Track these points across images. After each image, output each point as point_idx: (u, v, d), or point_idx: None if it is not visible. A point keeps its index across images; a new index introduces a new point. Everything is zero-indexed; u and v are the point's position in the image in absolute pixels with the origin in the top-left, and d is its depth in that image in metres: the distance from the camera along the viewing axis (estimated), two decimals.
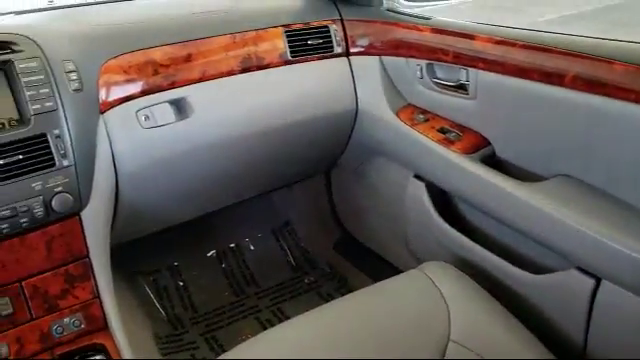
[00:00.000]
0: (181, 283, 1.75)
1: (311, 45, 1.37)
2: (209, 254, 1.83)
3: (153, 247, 1.67)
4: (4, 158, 0.95)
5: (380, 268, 1.67)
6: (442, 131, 1.27)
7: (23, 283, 1.02)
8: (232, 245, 1.87)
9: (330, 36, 1.40)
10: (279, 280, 1.79)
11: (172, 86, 1.21)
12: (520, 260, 1.16)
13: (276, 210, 1.96)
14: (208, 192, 1.48)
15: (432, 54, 1.25)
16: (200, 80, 1.24)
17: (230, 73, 1.27)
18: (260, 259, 1.87)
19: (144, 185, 1.24)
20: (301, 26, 1.37)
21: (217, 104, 1.26)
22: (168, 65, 1.20)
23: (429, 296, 1.02)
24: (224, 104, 1.27)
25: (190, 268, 1.78)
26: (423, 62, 1.28)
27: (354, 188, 1.73)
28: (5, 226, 0.97)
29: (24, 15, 1.32)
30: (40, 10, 1.43)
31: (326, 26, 1.40)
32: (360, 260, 1.78)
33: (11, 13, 1.32)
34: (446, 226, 1.28)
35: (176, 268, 1.77)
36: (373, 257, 1.74)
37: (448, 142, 1.23)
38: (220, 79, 1.26)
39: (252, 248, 1.89)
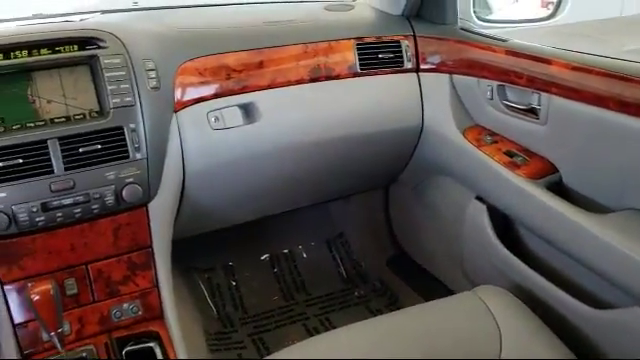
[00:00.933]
0: (234, 283, 1.78)
1: (381, 59, 1.38)
2: (262, 257, 1.86)
3: (210, 245, 1.71)
4: (84, 146, 1.01)
5: (432, 288, 1.64)
6: (509, 154, 1.25)
7: (89, 266, 1.07)
8: (285, 251, 1.90)
9: (401, 51, 1.40)
10: (329, 290, 1.80)
11: (242, 91, 1.24)
12: (579, 292, 1.11)
13: (331, 220, 1.97)
14: (267, 196, 1.51)
15: (505, 76, 1.23)
16: (269, 87, 1.27)
17: (299, 82, 1.30)
18: (312, 267, 1.88)
19: (209, 184, 1.28)
20: (373, 40, 1.38)
21: (284, 111, 1.29)
22: (240, 70, 1.24)
23: (481, 320, 1.00)
24: (291, 111, 1.30)
25: (243, 269, 1.82)
26: (494, 83, 1.27)
27: (412, 205, 1.72)
28: (78, 210, 1.02)
29: (110, 14, 1.40)
30: (125, 10, 1.52)
31: (398, 41, 1.41)
32: (412, 278, 1.76)
33: (98, 12, 1.40)
34: (505, 251, 1.25)
35: (230, 268, 1.80)
36: (426, 276, 1.72)
37: (514, 166, 1.21)
38: (289, 87, 1.29)
39: (305, 256, 1.90)
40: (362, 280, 1.84)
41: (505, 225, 1.33)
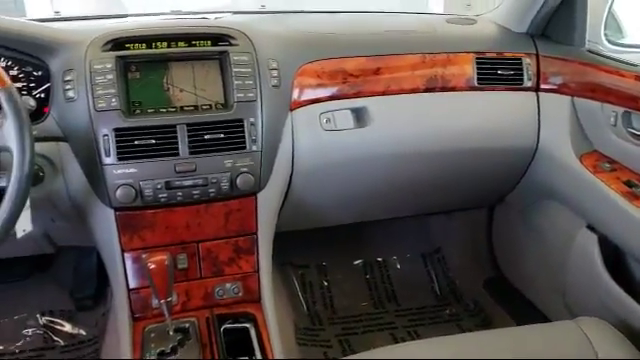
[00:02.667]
0: (326, 283, 1.82)
1: (500, 75, 1.36)
2: (356, 262, 1.89)
3: (306, 243, 1.77)
4: (208, 134, 1.09)
5: (529, 315, 1.58)
6: (628, 184, 1.18)
7: (200, 245, 1.16)
8: (379, 259, 1.91)
9: (522, 69, 1.37)
10: (420, 304, 1.79)
11: (356, 95, 1.28)
12: None
13: (430, 235, 1.96)
14: (369, 201, 1.53)
15: (632, 102, 1.17)
16: (383, 93, 1.29)
17: (414, 90, 1.31)
18: (405, 279, 1.87)
19: (314, 182, 1.33)
20: (493, 55, 1.37)
21: (396, 118, 1.31)
22: (357, 75, 1.27)
23: (581, 351, 0.95)
24: (403, 119, 1.31)
25: (336, 271, 1.85)
26: (620, 109, 1.20)
27: (517, 228, 1.67)
28: (196, 192, 1.11)
29: (240, 15, 1.50)
30: (254, 12, 1.62)
31: (519, 58, 1.38)
32: (508, 303, 1.70)
33: (230, 12, 1.51)
34: (613, 284, 1.18)
35: (323, 268, 1.85)
36: (523, 303, 1.66)
37: (633, 197, 1.14)
38: (403, 95, 1.31)
39: (399, 267, 1.90)
40: (455, 298, 1.81)
41: (616, 257, 1.26)
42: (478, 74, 1.34)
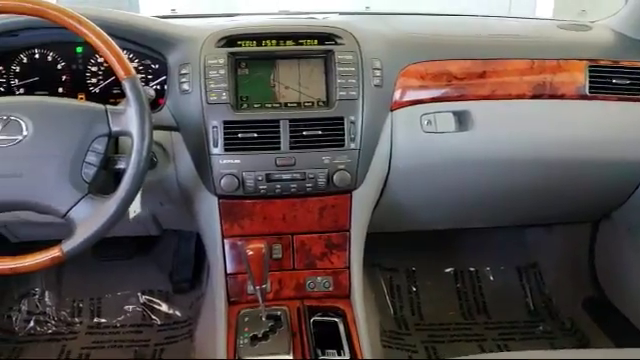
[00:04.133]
0: (414, 289, 1.80)
1: (615, 84, 1.29)
2: (447, 270, 1.85)
3: (396, 246, 1.76)
4: (309, 130, 1.12)
5: (630, 338, 1.48)
6: None
7: (294, 237, 1.20)
8: (472, 269, 1.86)
9: None
10: (512, 318, 1.73)
11: (459, 98, 1.26)
12: None
13: (527, 248, 1.88)
14: (464, 207, 1.50)
15: None
16: (488, 98, 1.26)
17: (519, 96, 1.27)
18: (497, 291, 1.82)
19: (409, 184, 1.32)
20: (609, 63, 1.29)
21: (499, 124, 1.27)
22: (462, 78, 1.25)
23: None
24: (506, 125, 1.28)
25: (426, 277, 1.83)
26: None
27: (623, 247, 1.56)
28: (294, 186, 1.14)
29: (346, 15, 1.52)
30: (359, 13, 1.65)
31: (638, 68, 1.30)
32: (609, 324, 1.60)
33: (336, 13, 1.54)
34: None
35: (412, 273, 1.83)
36: (626, 325, 1.55)
37: None
38: (508, 100, 1.27)
39: (491, 278, 1.85)
40: (550, 315, 1.73)
41: None
42: (590, 82, 1.28)
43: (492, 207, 1.51)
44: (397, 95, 1.23)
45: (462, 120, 1.26)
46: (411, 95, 1.25)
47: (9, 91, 1.25)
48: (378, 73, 1.19)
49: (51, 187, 0.91)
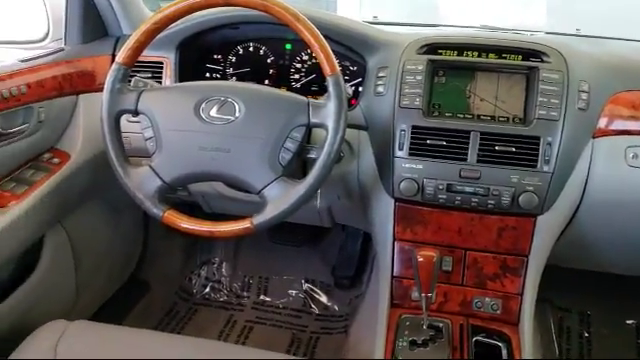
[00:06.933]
0: (587, 334, 1.65)
1: None
2: (629, 322, 1.67)
3: (572, 284, 1.63)
4: (500, 146, 1.09)
5: None
6: None
7: (467, 252, 1.17)
8: None
9: None
10: None
11: None
12: None
13: None
14: None
15: None
16: None
17: None
18: None
19: (602, 219, 1.22)
20: None
21: None
22: None
23: None
24: None
25: (602, 325, 1.66)
26: None
27: None
28: (475, 200, 1.12)
29: (553, 36, 1.45)
30: (568, 35, 1.55)
31: None
32: None
33: (542, 32, 1.47)
34: None
35: (587, 317, 1.68)
36: None
37: None
38: None
39: None
40: None
41: None
42: None
43: None
44: (602, 122, 1.14)
45: None
46: (618, 124, 1.15)
47: (223, 78, 1.40)
48: (584, 96, 1.11)
49: (252, 165, 1.00)
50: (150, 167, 1.03)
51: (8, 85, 1.17)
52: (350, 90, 1.17)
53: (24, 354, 0.99)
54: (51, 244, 1.37)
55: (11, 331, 1.23)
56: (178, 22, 1.06)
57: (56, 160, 1.34)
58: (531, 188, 1.09)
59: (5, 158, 1.23)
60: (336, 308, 1.87)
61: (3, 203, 1.19)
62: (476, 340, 1.10)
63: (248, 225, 1.00)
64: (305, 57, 1.36)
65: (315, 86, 1.37)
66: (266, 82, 1.38)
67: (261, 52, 1.38)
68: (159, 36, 1.05)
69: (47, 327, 1.05)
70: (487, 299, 1.16)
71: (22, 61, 1.26)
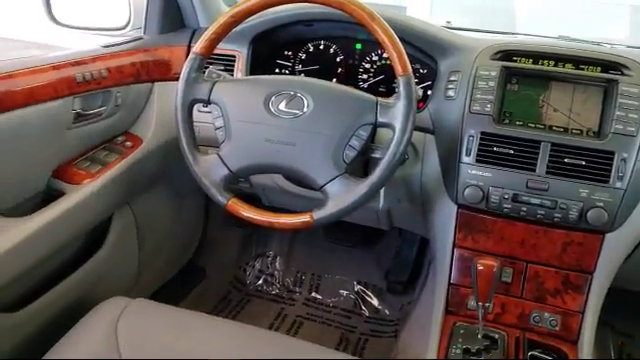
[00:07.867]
0: None
1: None
2: None
3: (635, 308, 1.55)
4: (571, 158, 1.06)
5: None
6: None
7: (529, 265, 1.14)
8: None
9: None
10: None
11: None
12: None
13: None
14: None
15: None
16: None
17: None
18: None
19: None
20: None
21: None
22: None
23: None
24: None
25: None
26: None
27: None
28: (541, 212, 1.09)
29: (633, 49, 1.39)
30: None
31: None
32: None
33: (622, 45, 1.41)
34: None
35: None
36: None
37: None
38: None
39: None
40: None
41: None
42: None
43: None
44: None
45: None
46: None
47: (292, 74, 1.42)
48: None
49: (316, 160, 1.01)
50: (218, 156, 1.06)
51: (90, 68, 1.23)
52: (420, 92, 1.16)
53: (87, 327, 1.04)
54: (118, 224, 1.43)
55: (77, 303, 1.30)
56: (253, 17, 1.09)
57: (129, 144, 1.40)
58: (601, 204, 1.05)
59: (82, 138, 1.29)
60: (387, 312, 1.86)
61: (78, 180, 1.26)
62: (532, 355, 1.07)
63: (308, 219, 1.01)
64: (375, 58, 1.36)
65: (382, 87, 1.37)
66: (334, 80, 1.39)
67: (331, 50, 1.39)
68: (233, 30, 1.08)
69: (110, 302, 1.09)
70: (546, 314, 1.13)
71: (104, 47, 1.32)
